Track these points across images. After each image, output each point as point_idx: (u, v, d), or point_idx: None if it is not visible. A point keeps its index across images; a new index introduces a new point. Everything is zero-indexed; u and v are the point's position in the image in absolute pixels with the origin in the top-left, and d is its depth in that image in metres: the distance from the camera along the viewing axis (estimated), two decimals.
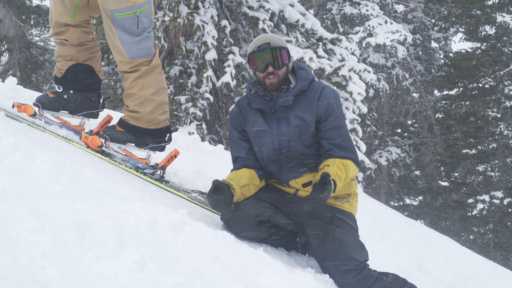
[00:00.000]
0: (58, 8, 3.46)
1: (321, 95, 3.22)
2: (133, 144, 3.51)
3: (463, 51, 18.10)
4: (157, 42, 8.95)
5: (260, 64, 3.20)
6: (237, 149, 3.35)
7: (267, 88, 3.22)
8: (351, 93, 10.06)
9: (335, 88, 10.03)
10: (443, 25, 20.89)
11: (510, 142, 16.96)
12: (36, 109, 3.56)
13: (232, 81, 8.98)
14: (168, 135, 3.56)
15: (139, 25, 3.33)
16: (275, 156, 3.25)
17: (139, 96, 3.42)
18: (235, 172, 3.28)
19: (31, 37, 16.22)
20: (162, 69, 3.52)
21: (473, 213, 18.10)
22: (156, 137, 3.51)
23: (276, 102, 3.22)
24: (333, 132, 3.21)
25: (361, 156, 10.79)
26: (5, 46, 14.18)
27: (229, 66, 9.07)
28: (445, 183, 19.93)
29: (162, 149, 3.58)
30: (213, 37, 9.08)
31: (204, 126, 9.07)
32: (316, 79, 3.36)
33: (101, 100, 3.70)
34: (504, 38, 17.25)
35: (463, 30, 18.50)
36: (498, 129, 16.79)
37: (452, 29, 20.70)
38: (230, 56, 9.18)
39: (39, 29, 16.67)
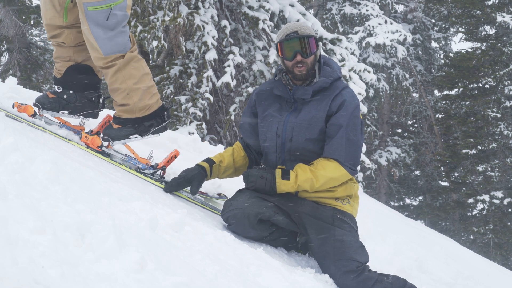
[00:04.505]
0: (49, 11, 3.44)
1: (339, 94, 3.22)
2: (137, 135, 3.50)
3: (463, 51, 18.10)
4: (157, 42, 8.96)
5: (288, 53, 3.22)
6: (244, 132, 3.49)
7: (296, 77, 3.23)
8: None
9: None
10: (443, 25, 20.91)
11: (510, 142, 16.96)
12: (36, 109, 3.55)
13: (232, 81, 8.98)
14: (165, 113, 3.55)
15: (112, 18, 3.26)
16: (278, 144, 3.25)
17: (124, 89, 3.40)
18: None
19: (31, 37, 16.22)
20: (139, 57, 3.47)
21: (473, 213, 18.11)
22: (154, 120, 3.51)
23: (295, 94, 3.23)
24: (332, 129, 3.18)
25: (361, 156, 10.78)
26: (5, 46, 14.18)
27: (229, 66, 9.07)
28: (445, 183, 19.93)
29: (164, 129, 3.58)
30: (213, 37, 9.08)
31: (204, 126, 9.07)
32: (343, 79, 3.36)
33: (101, 100, 3.70)
34: (504, 38, 17.25)
35: (463, 30, 18.51)
36: (498, 129, 16.79)
37: (452, 29, 20.71)
38: (230, 56, 9.17)
39: (39, 29, 16.67)
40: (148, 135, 3.52)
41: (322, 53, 9.93)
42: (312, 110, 3.22)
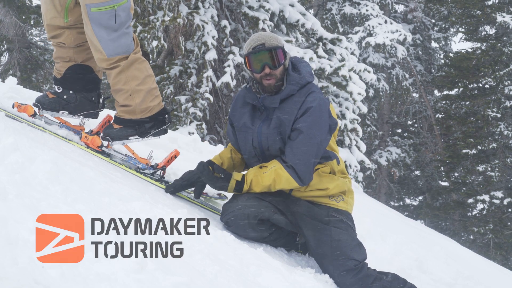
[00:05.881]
0: (50, 11, 3.44)
1: (305, 101, 3.19)
2: (136, 136, 3.50)
3: (463, 51, 18.09)
4: (156, 42, 8.96)
5: (256, 66, 3.21)
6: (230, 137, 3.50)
7: (265, 89, 3.23)
8: (351, 93, 10.06)
9: (335, 88, 10.03)
10: (443, 25, 20.90)
11: (510, 142, 16.96)
12: (36, 109, 3.55)
13: (232, 81, 8.98)
14: (166, 116, 3.55)
15: (116, 19, 3.24)
16: (256, 154, 3.28)
17: (126, 90, 3.40)
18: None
19: (31, 37, 16.22)
20: (143, 58, 3.46)
21: (473, 213, 18.10)
22: (155, 122, 3.51)
23: (264, 102, 3.24)
24: (294, 133, 3.18)
25: (361, 156, 10.79)
26: (5, 46, 14.18)
27: (229, 66, 9.08)
28: (445, 183, 19.93)
29: (165, 132, 3.57)
30: (213, 37, 9.08)
31: (204, 126, 9.08)
32: (315, 81, 3.33)
33: (101, 100, 3.69)
34: (504, 38, 17.25)
35: (463, 30, 18.50)
36: (498, 129, 16.78)
37: (452, 29, 20.70)
38: (230, 56, 9.18)
39: (39, 29, 16.67)
40: (148, 137, 3.52)
41: (319, 55, 9.94)
42: (280, 118, 3.22)
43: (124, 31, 3.31)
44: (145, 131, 3.49)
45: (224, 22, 9.35)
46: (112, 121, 3.55)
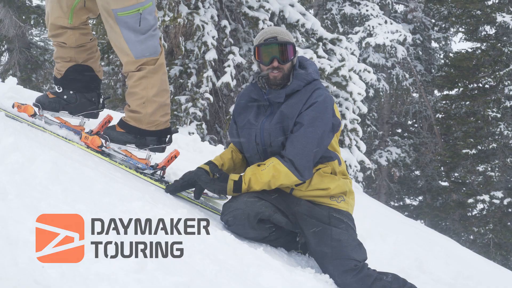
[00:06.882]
0: (55, 11, 3.44)
1: (310, 97, 3.21)
2: (133, 145, 3.51)
3: (463, 51, 18.09)
4: None
5: (265, 58, 3.22)
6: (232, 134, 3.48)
7: (271, 82, 3.23)
8: (351, 93, 10.06)
9: (335, 88, 10.03)
10: (443, 25, 20.89)
11: (510, 142, 16.95)
12: (36, 109, 3.55)
13: (232, 81, 8.98)
14: (168, 136, 3.56)
15: (142, 22, 3.29)
16: (259, 151, 3.27)
17: (142, 96, 3.42)
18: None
19: (31, 37, 16.22)
20: (165, 70, 3.50)
21: (473, 213, 18.10)
22: (156, 138, 3.51)
23: (269, 97, 3.24)
24: (296, 127, 3.18)
25: (361, 156, 10.79)
26: (5, 46, 14.18)
27: (229, 66, 9.07)
28: (445, 183, 19.93)
29: (162, 150, 3.57)
30: (213, 37, 9.08)
31: (204, 126, 9.08)
32: (319, 79, 3.34)
33: (101, 100, 3.70)
34: (504, 38, 17.24)
35: (463, 30, 18.50)
36: (498, 129, 16.78)
37: (452, 29, 20.70)
38: (230, 56, 9.18)
39: (39, 29, 16.68)
40: (145, 150, 3.53)
41: (319, 55, 9.94)
42: (284, 113, 3.22)
43: (151, 33, 3.36)
44: (144, 143, 3.50)
45: (224, 22, 9.35)
46: (116, 123, 3.54)
